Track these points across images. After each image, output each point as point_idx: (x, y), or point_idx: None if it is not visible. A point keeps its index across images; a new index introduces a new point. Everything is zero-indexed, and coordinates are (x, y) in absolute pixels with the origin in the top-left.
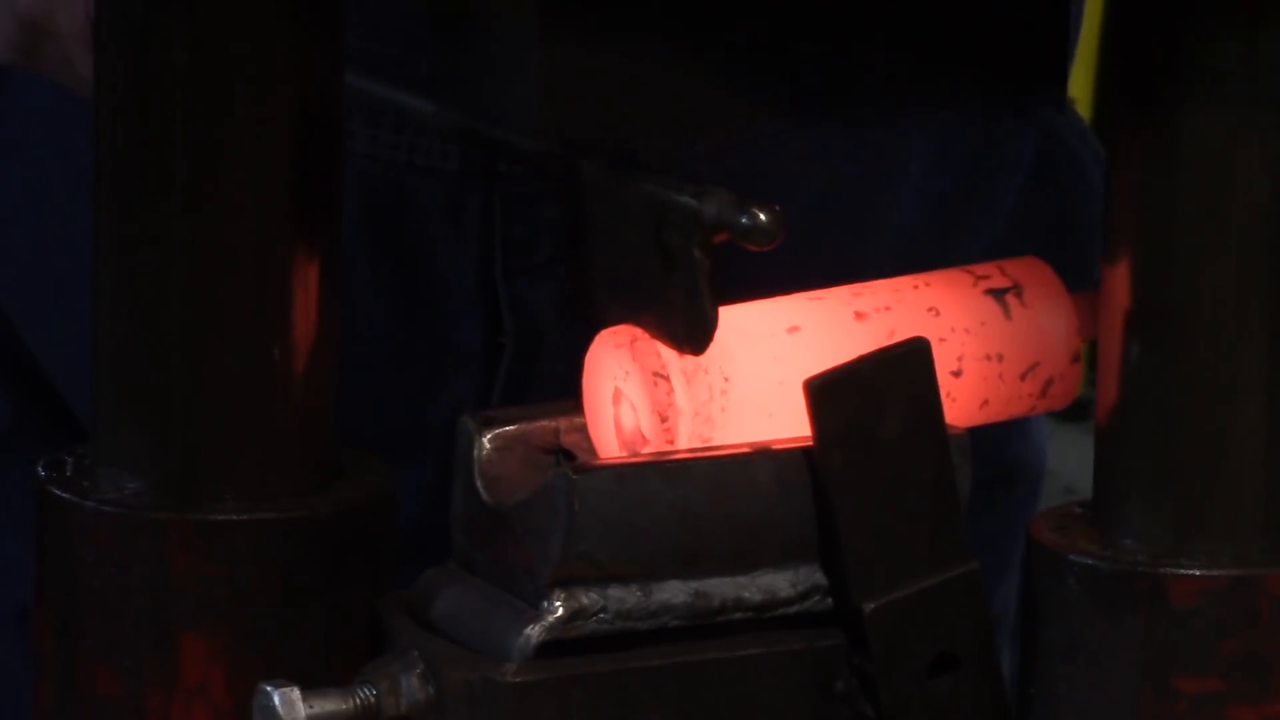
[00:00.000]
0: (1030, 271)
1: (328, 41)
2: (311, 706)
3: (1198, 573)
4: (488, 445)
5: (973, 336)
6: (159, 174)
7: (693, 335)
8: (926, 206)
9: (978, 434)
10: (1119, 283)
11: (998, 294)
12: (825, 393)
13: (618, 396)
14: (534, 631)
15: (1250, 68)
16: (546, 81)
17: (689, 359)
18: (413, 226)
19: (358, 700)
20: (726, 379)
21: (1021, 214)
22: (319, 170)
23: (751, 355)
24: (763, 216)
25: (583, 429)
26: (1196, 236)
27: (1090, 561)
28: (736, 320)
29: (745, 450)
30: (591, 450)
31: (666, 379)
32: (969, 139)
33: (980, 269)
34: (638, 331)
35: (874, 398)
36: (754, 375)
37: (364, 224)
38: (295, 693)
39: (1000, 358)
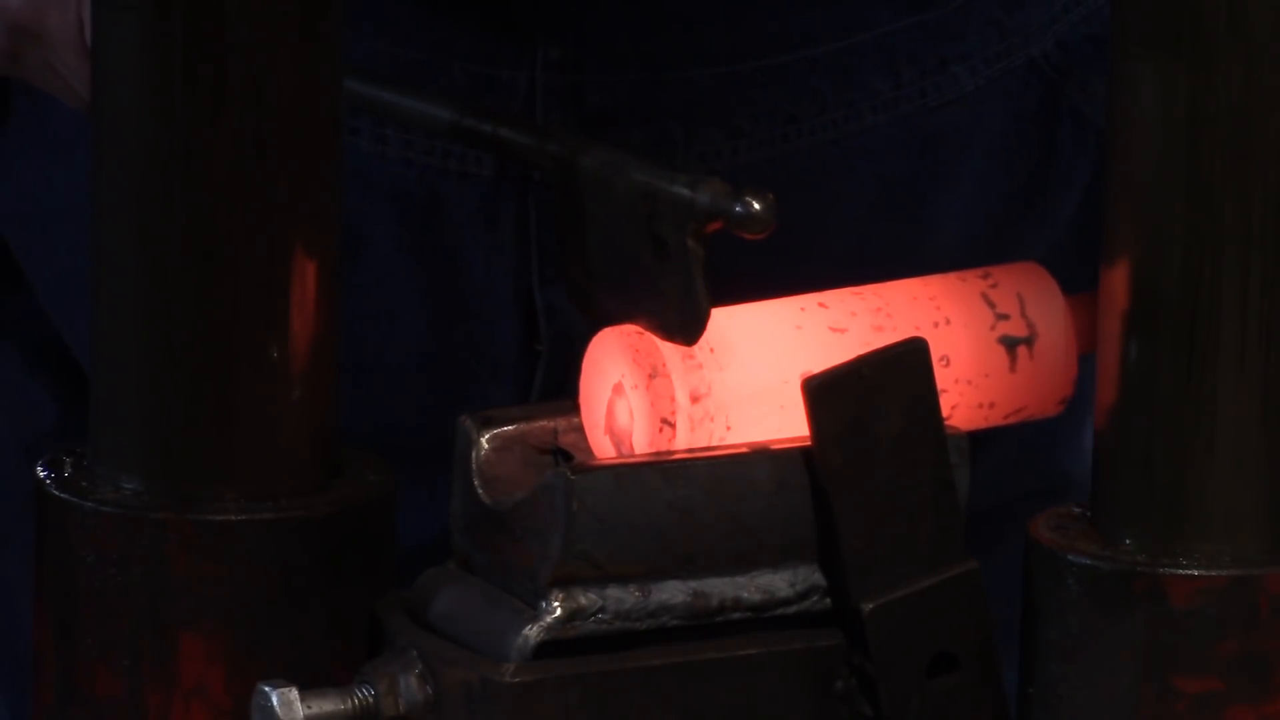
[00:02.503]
0: (1041, 297)
1: (327, 46)
2: (310, 707)
3: (1196, 573)
4: (486, 445)
5: (973, 388)
6: (157, 177)
7: (686, 326)
8: (983, 217)
9: (1027, 447)
10: (1118, 285)
11: (1010, 344)
12: (824, 392)
13: (614, 396)
14: (532, 632)
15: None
16: None
17: (696, 407)
18: (448, 233)
19: (356, 700)
20: (729, 428)
21: (1080, 224)
22: (319, 172)
23: (757, 409)
24: (756, 205)
25: (581, 429)
26: (1195, 239)
27: (1089, 562)
28: (747, 370)
29: (744, 450)
30: (590, 450)
31: (666, 377)
32: (1026, 149)
33: (996, 295)
34: (637, 332)
35: (873, 397)
36: (756, 425)
37: (399, 230)
38: (293, 693)
39: (992, 405)
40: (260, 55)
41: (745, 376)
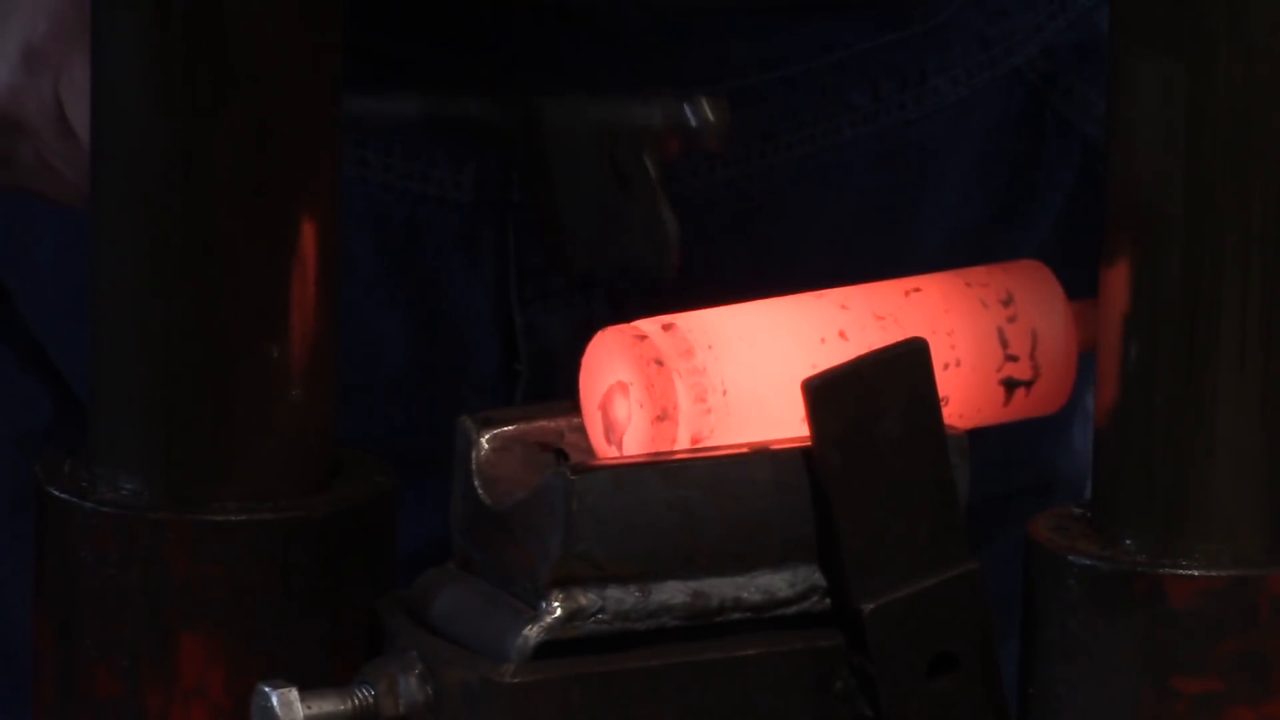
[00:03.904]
0: (1054, 339)
1: (327, 47)
2: (310, 707)
3: (1197, 573)
4: (486, 446)
5: (965, 421)
6: (157, 177)
7: (658, 255)
8: (966, 225)
9: (1015, 443)
10: (1117, 285)
11: (1011, 385)
12: (824, 393)
13: (612, 392)
14: (532, 632)
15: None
16: None
17: (697, 408)
18: (428, 255)
19: (356, 701)
20: (729, 429)
21: (1066, 228)
22: (319, 170)
23: (757, 411)
24: (709, 110)
25: (581, 429)
26: (1195, 239)
27: (1089, 562)
28: (749, 371)
29: (744, 450)
30: (589, 450)
31: (668, 377)
32: (1010, 157)
33: (1011, 332)
34: (637, 333)
35: (873, 398)
36: (757, 427)
37: (379, 253)
38: (293, 693)
39: (983, 436)
40: (260, 53)
41: (747, 377)
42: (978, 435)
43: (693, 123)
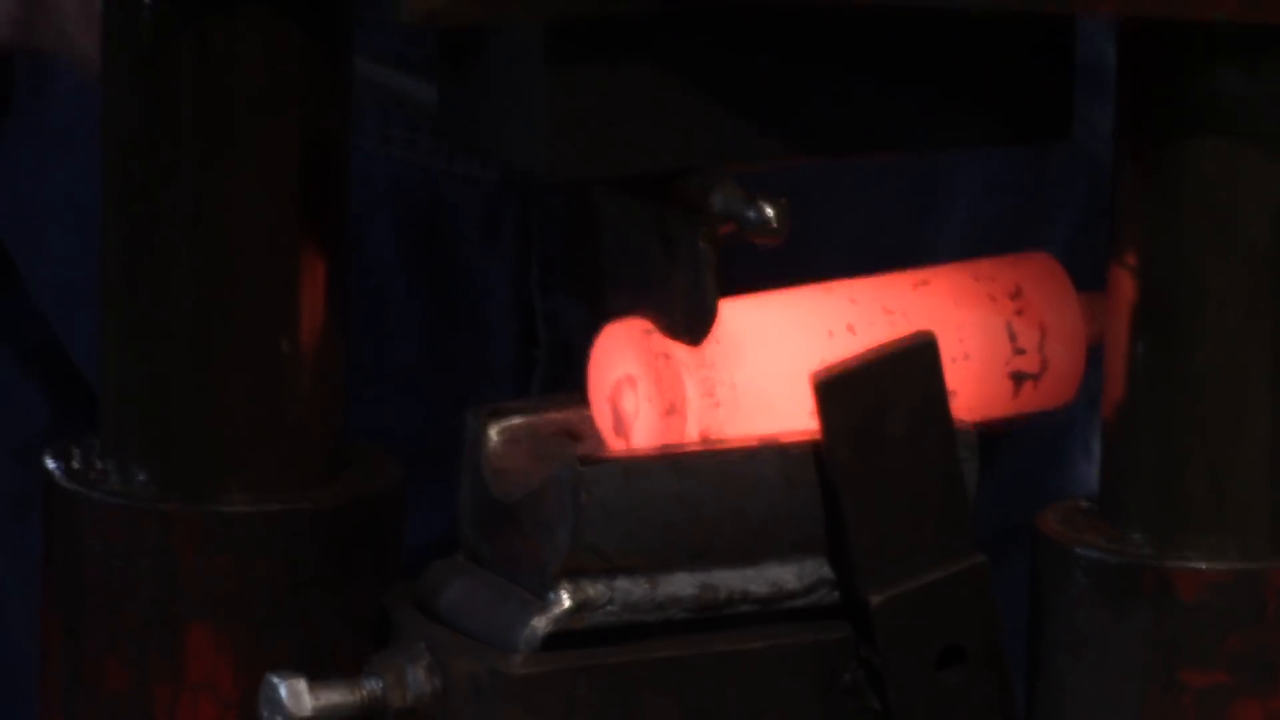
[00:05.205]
0: (1063, 332)
1: (336, 44)
2: (318, 698)
3: (1204, 566)
4: (495, 438)
5: (973, 415)
6: (165, 168)
7: (692, 325)
8: (975, 242)
9: (1028, 474)
10: (1125, 278)
11: (1019, 378)
12: (833, 388)
13: (620, 386)
14: (540, 623)
15: (1253, 87)
16: (552, 115)
17: (706, 400)
18: (449, 237)
19: (364, 692)
20: (738, 422)
21: (1074, 249)
22: (327, 164)
23: (767, 404)
24: (769, 210)
25: (589, 421)
26: (1202, 233)
27: (1096, 555)
28: (759, 365)
29: (752, 444)
30: (598, 442)
31: (676, 370)
32: (1019, 174)
33: (1020, 325)
34: (647, 325)
35: (882, 393)
36: (766, 420)
37: (400, 233)
38: (302, 684)
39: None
40: (267, 55)
41: (757, 371)
42: (989, 465)
43: (751, 218)
